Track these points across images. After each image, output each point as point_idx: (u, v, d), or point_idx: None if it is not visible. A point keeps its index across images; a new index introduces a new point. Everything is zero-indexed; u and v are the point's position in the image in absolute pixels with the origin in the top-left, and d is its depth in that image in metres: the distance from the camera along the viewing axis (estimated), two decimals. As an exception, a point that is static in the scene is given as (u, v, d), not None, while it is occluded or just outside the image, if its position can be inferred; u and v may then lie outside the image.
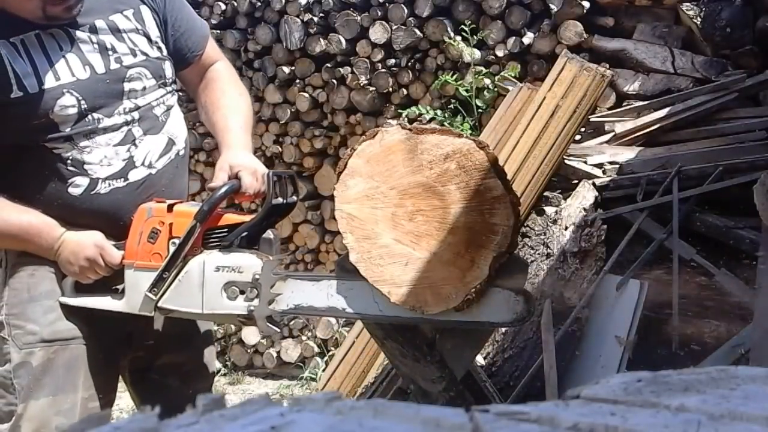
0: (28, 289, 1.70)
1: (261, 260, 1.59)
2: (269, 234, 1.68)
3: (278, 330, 1.62)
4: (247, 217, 1.67)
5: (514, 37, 3.87)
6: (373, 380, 3.02)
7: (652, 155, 3.27)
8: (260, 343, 4.70)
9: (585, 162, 3.31)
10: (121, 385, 1.89)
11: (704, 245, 2.88)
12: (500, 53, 3.90)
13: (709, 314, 2.85)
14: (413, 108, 4.00)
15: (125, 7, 1.76)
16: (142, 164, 1.75)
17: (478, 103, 3.91)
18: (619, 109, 3.63)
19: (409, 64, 4.10)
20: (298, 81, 4.39)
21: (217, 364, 3.41)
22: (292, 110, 4.44)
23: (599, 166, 3.27)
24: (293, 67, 4.39)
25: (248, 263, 1.59)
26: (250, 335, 4.69)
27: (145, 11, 1.79)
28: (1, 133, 1.62)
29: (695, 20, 3.60)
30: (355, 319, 1.62)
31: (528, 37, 3.85)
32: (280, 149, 4.53)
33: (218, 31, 4.41)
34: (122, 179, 1.72)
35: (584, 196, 3.09)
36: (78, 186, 1.68)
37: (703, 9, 3.58)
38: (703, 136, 3.33)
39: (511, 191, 1.42)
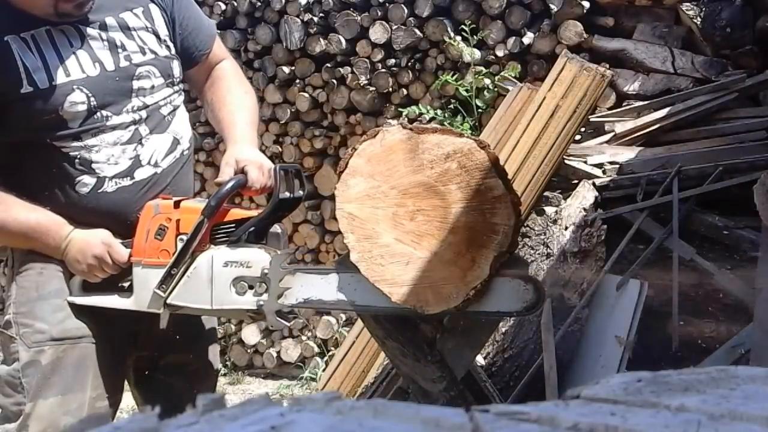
0: (37, 287, 1.70)
1: (269, 255, 1.59)
2: (277, 228, 1.68)
3: (288, 324, 1.62)
4: (255, 212, 1.67)
5: (514, 37, 3.87)
6: (373, 380, 3.02)
7: (652, 155, 3.27)
8: (260, 343, 4.70)
9: (585, 162, 3.31)
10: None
11: (704, 245, 2.88)
12: (500, 53, 3.90)
13: (709, 314, 2.85)
14: (413, 108, 4.00)
15: (135, 5, 1.76)
16: (148, 163, 1.75)
17: (478, 103, 3.91)
18: (619, 109, 3.63)
19: (409, 64, 4.10)
20: (298, 81, 4.39)
21: (219, 365, 3.42)
22: (292, 110, 4.45)
23: (599, 166, 3.27)
24: (293, 67, 4.39)
25: (256, 258, 1.58)
26: (250, 335, 4.69)
27: (155, 9, 1.79)
28: (10, 129, 1.62)
29: (695, 20, 3.60)
30: (365, 313, 1.61)
31: (528, 37, 3.85)
32: (280, 149, 4.53)
33: (218, 31, 4.40)
34: (128, 178, 1.72)
35: (584, 196, 3.09)
36: (85, 185, 1.68)
37: (703, 9, 3.58)
38: (703, 136, 3.33)
39: (512, 191, 1.42)
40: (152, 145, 1.76)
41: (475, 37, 3.82)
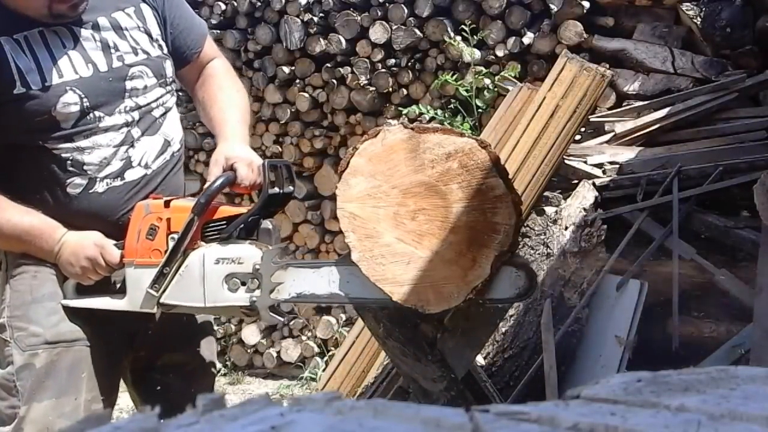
0: (31, 290, 1.70)
1: (261, 250, 1.58)
2: (267, 224, 1.67)
3: (282, 319, 1.62)
4: (244, 209, 1.67)
5: (514, 37, 3.87)
6: (373, 380, 3.02)
7: (652, 155, 3.27)
8: (260, 343, 4.70)
9: (585, 162, 3.31)
10: (121, 385, 1.88)
11: (704, 245, 2.88)
12: (500, 53, 3.90)
13: (709, 314, 2.85)
14: (413, 107, 4.00)
15: (127, 5, 1.76)
16: (139, 164, 1.75)
17: (478, 103, 3.91)
18: (619, 109, 3.63)
19: (409, 64, 4.10)
20: (298, 81, 4.39)
21: (217, 364, 3.41)
22: (292, 110, 4.44)
23: (599, 166, 3.27)
24: (293, 67, 4.39)
25: (248, 254, 1.58)
26: (250, 335, 4.69)
27: (146, 9, 1.80)
28: (2, 131, 1.62)
29: (695, 20, 3.60)
30: (358, 305, 1.60)
31: (528, 37, 3.85)
32: (280, 149, 4.53)
33: (218, 31, 4.41)
34: (119, 178, 1.72)
35: (584, 196, 3.09)
36: (76, 186, 1.68)
37: (703, 9, 3.58)
38: (703, 136, 3.33)
39: (512, 190, 1.42)
40: (143, 147, 1.76)
41: (475, 37, 3.82)
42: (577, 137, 3.42)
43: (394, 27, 4.03)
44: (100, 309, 1.69)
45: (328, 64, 4.28)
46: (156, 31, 1.80)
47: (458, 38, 3.89)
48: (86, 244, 1.66)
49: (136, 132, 1.75)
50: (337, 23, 4.17)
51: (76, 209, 1.69)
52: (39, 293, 1.70)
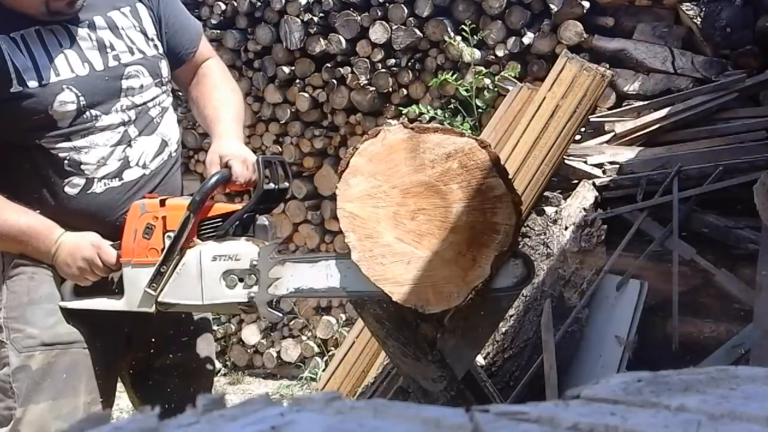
0: (28, 292, 1.69)
1: (257, 246, 1.58)
2: (263, 220, 1.67)
3: (280, 315, 1.62)
4: (239, 206, 1.67)
5: (514, 37, 3.87)
6: (373, 380, 3.02)
7: (652, 155, 3.27)
8: (260, 343, 4.70)
9: (585, 162, 3.31)
10: (120, 385, 1.88)
11: (704, 245, 2.88)
12: (500, 53, 3.90)
13: (709, 314, 2.85)
14: (413, 107, 4.00)
15: (123, 4, 1.76)
16: (137, 164, 1.75)
17: (478, 103, 3.90)
18: (619, 109, 3.62)
19: (409, 64, 4.10)
20: (298, 81, 4.39)
21: (217, 364, 3.41)
22: (292, 110, 4.44)
23: (599, 166, 3.27)
24: (293, 67, 4.39)
25: (245, 250, 1.58)
26: (250, 335, 4.69)
27: (141, 8, 1.80)
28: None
29: (695, 20, 3.59)
30: (356, 299, 1.60)
31: (528, 37, 3.85)
32: (280, 149, 4.53)
33: (218, 31, 4.41)
34: (117, 179, 1.72)
35: (584, 196, 3.09)
36: (74, 186, 1.68)
37: (703, 9, 3.58)
38: (703, 136, 3.33)
39: (512, 190, 1.42)
40: (141, 147, 1.76)
41: (475, 37, 3.82)
42: (577, 137, 3.42)
43: (394, 27, 4.03)
44: (97, 310, 1.68)
45: (328, 64, 4.28)
46: (151, 31, 1.81)
47: (458, 38, 3.88)
48: (83, 245, 1.65)
49: (133, 131, 1.74)
50: (337, 23, 4.17)
51: (74, 210, 1.69)
52: (36, 294, 1.69)
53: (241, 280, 1.58)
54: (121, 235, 1.67)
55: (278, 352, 4.62)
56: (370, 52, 4.14)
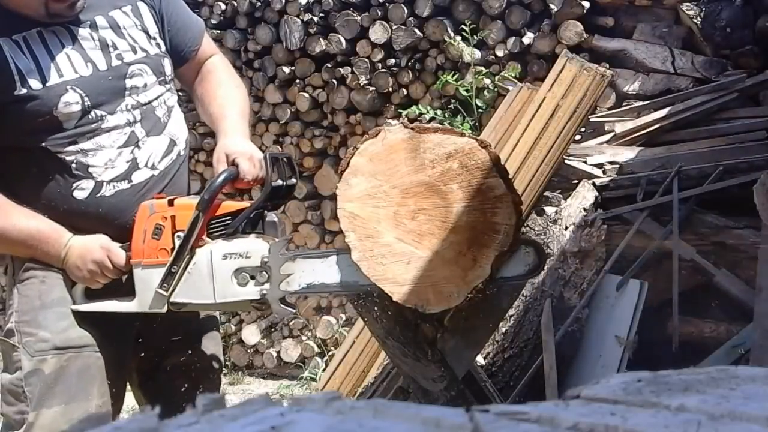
0: (40, 295, 1.68)
1: (267, 243, 1.58)
2: (272, 217, 1.67)
3: (293, 311, 1.61)
4: (248, 203, 1.67)
5: (514, 37, 3.87)
6: (373, 380, 3.02)
7: (652, 155, 3.27)
8: (260, 343, 4.70)
9: (585, 162, 3.31)
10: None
11: (704, 245, 2.88)
12: (500, 53, 3.90)
13: (709, 314, 2.85)
14: (413, 108, 4.00)
15: (124, 3, 1.76)
16: (146, 166, 1.74)
17: (478, 103, 3.90)
18: (619, 109, 3.63)
19: (409, 64, 4.10)
20: (298, 81, 4.39)
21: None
22: (292, 110, 4.44)
23: (599, 166, 3.27)
24: (293, 67, 4.39)
25: (255, 247, 1.58)
26: (250, 335, 4.69)
27: (143, 7, 1.79)
28: (5, 133, 1.62)
29: (695, 20, 3.60)
30: (368, 292, 1.59)
31: (528, 37, 3.85)
32: (280, 149, 4.53)
33: (218, 31, 4.41)
34: (126, 181, 1.71)
35: (584, 196, 3.09)
36: (83, 189, 1.68)
37: (703, 9, 3.58)
38: (703, 136, 3.33)
39: (513, 190, 1.42)
40: (149, 148, 1.75)
41: (475, 37, 3.82)
42: (577, 137, 3.41)
43: (394, 27, 4.03)
44: (108, 312, 1.68)
45: (328, 64, 4.28)
46: (154, 29, 1.80)
47: (458, 38, 3.88)
48: (92, 248, 1.65)
49: (140, 132, 1.74)
50: (337, 23, 4.17)
51: (84, 213, 1.68)
52: (48, 298, 1.68)
53: (252, 277, 1.58)
54: (130, 236, 1.66)
55: (278, 352, 4.62)
56: (370, 52, 4.14)
